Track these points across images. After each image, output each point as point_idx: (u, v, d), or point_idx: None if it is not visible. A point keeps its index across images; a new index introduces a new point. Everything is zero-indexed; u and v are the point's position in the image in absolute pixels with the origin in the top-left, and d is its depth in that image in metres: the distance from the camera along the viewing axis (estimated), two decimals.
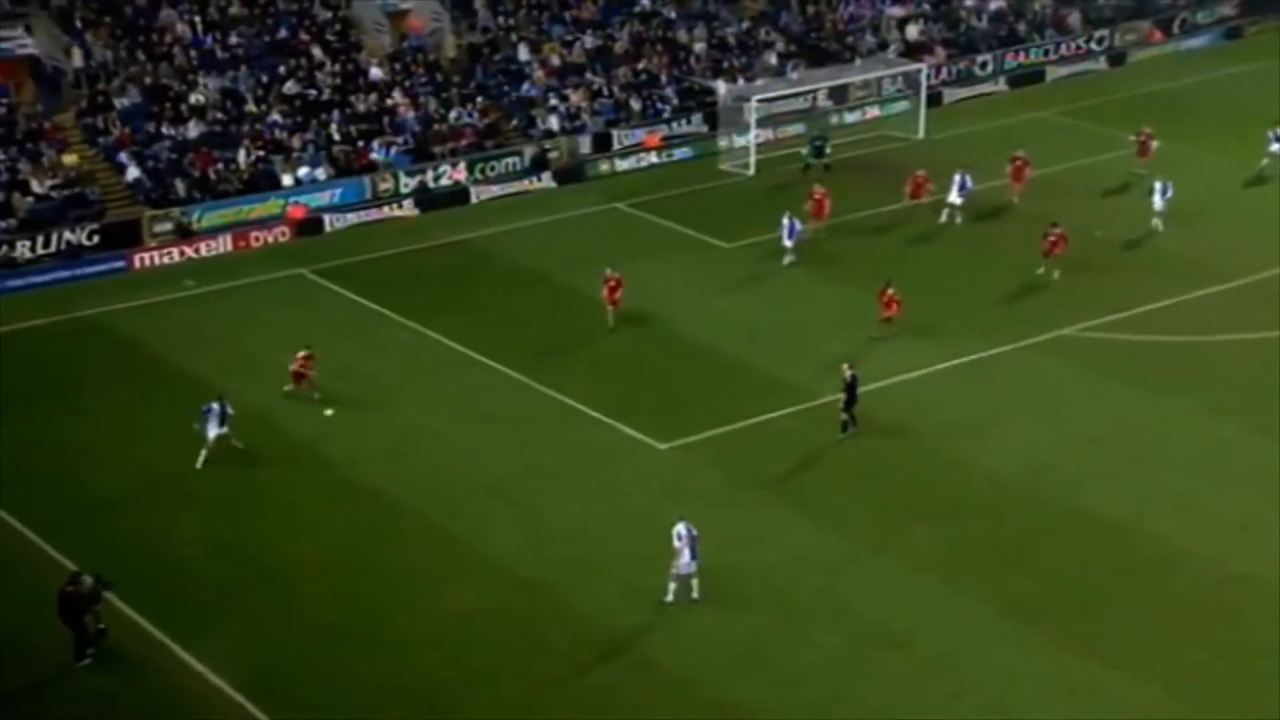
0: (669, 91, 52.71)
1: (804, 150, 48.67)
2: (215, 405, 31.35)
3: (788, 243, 41.13)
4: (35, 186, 43.47)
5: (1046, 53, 59.28)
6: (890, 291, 36.35)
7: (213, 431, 31.17)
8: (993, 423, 32.83)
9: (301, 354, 34.00)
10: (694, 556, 26.44)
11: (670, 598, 26.60)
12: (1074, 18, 61.13)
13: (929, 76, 54.03)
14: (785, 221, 41.30)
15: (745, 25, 56.97)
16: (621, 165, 49.93)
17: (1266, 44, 61.95)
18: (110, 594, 25.73)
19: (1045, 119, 53.82)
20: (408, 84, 50.36)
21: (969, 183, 44.06)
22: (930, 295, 39.10)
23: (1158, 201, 42.44)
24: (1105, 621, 26.20)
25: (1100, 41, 60.56)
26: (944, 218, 44.00)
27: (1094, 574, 27.44)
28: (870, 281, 39.07)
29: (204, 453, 31.15)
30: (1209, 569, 27.51)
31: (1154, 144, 46.12)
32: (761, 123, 50.54)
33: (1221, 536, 28.43)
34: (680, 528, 26.50)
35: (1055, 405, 33.63)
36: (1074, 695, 24.37)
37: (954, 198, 43.97)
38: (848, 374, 31.97)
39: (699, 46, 55.22)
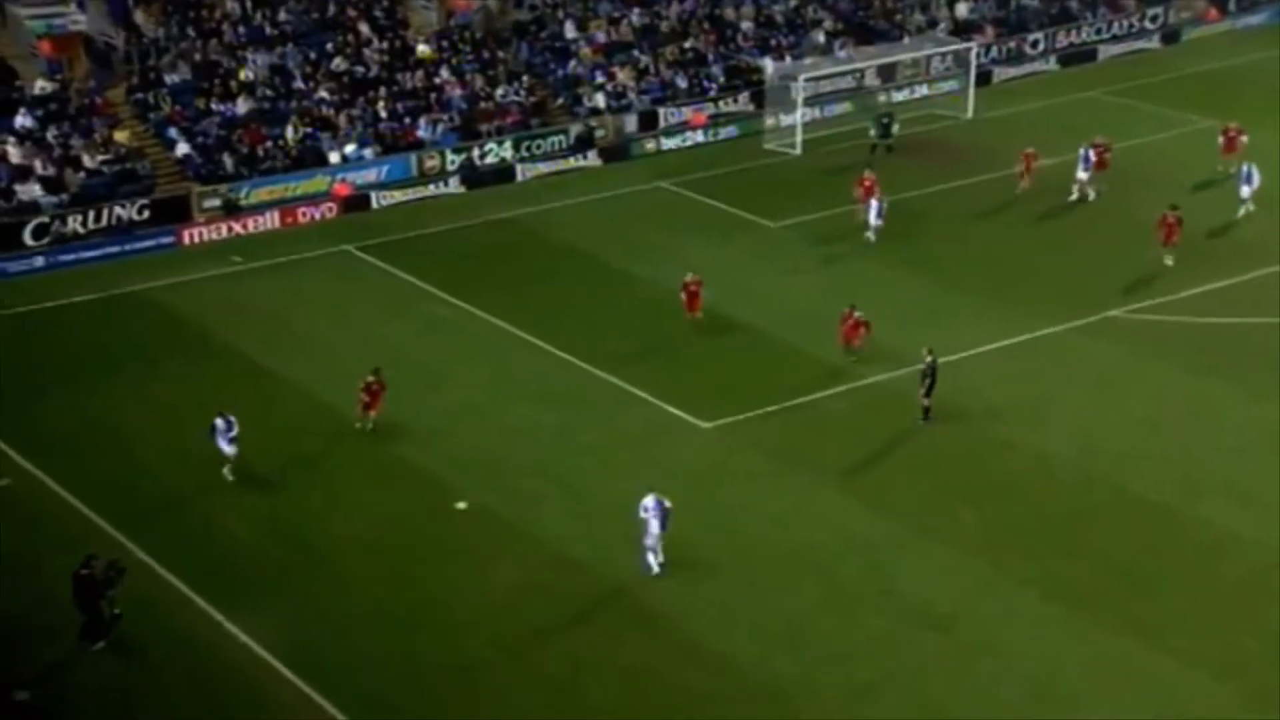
0: (716, 70, 52.52)
1: (871, 130, 48.30)
2: (219, 421, 29.90)
3: (876, 221, 40.69)
4: (87, 162, 43.92)
5: (1099, 31, 58.66)
6: (856, 315, 34.38)
7: (227, 447, 29.81)
8: (1041, 405, 32.65)
9: (370, 377, 31.62)
10: (664, 528, 26.65)
11: (655, 570, 26.71)
12: None
13: (979, 55, 53.56)
14: (874, 202, 40.95)
15: (793, 3, 56.64)
16: (667, 144, 49.82)
17: None
18: (122, 581, 25.57)
19: (1096, 98, 53.28)
20: (455, 61, 50.44)
21: (1092, 156, 43.67)
22: (976, 276, 38.89)
23: (1244, 189, 41.71)
24: (1152, 604, 26.06)
25: (1154, 19, 59.85)
26: (1075, 194, 43.57)
27: (1142, 557, 27.29)
28: (918, 262, 38.92)
29: (227, 467, 29.97)
30: (1259, 553, 27.29)
31: (1243, 139, 44.62)
32: (809, 102, 50.29)
33: (1272, 521, 28.17)
34: (648, 500, 26.69)
35: (1104, 387, 33.39)
36: (1118, 678, 24.27)
37: (1080, 173, 43.62)
38: (927, 359, 31.71)
39: (746, 24, 54.98)
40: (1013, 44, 56.79)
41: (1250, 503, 28.78)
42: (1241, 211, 41.88)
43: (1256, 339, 35.14)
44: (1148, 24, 59.67)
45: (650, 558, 26.94)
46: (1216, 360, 34.29)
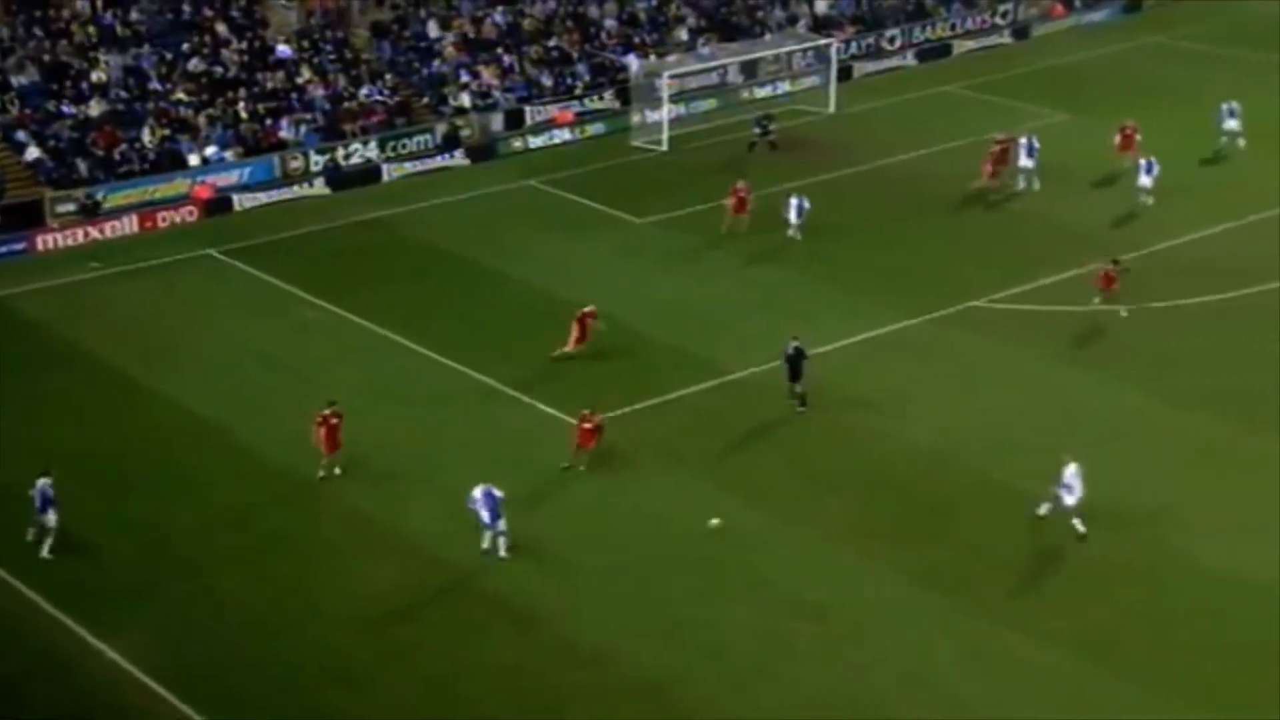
0: (581, 68, 52.61)
1: (754, 129, 48.48)
2: (42, 481, 27.22)
3: (795, 220, 40.70)
4: None
5: (954, 27, 60.00)
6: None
7: (47, 516, 27.12)
8: (907, 395, 33.29)
9: (325, 410, 29.71)
10: (496, 518, 27.06)
11: (503, 554, 27.11)
12: None
13: (839, 51, 54.40)
14: (793, 201, 40.99)
15: (655, 1, 56.94)
16: (534, 142, 49.76)
17: (1163, 17, 63.19)
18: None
19: (953, 93, 54.47)
20: (316, 61, 49.79)
21: (1036, 144, 44.22)
22: (843, 270, 39.50)
23: (1143, 179, 42.28)
24: (1016, 589, 26.77)
25: (1005, 15, 61.38)
26: (1021, 184, 44.09)
27: (1005, 543, 28.01)
28: (785, 257, 39.45)
29: (47, 543, 27.16)
30: (1120, 534, 28.18)
31: (1138, 137, 45.07)
32: (674, 99, 50.62)
33: (1131, 503, 29.11)
34: (476, 491, 27.05)
35: (968, 377, 34.16)
36: (985, 661, 24.90)
37: (1025, 161, 44.10)
38: (792, 345, 32.08)
39: (610, 23, 55.14)
40: (871, 40, 57.83)
41: (1111, 487, 29.68)
42: (1144, 200, 42.50)
43: (1113, 326, 36.22)
44: (999, 20, 61.20)
45: (487, 543, 27.16)
46: (1075, 348, 35.28)
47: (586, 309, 34.59)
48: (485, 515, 27.19)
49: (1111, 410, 32.55)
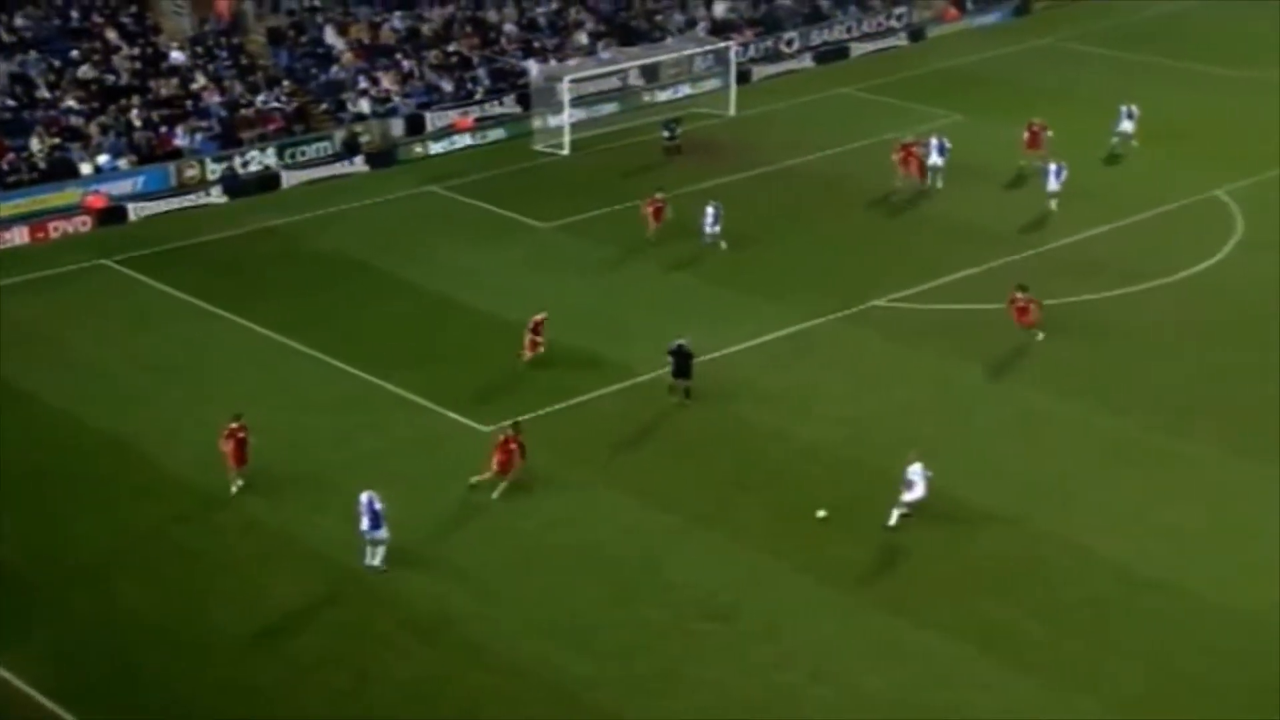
0: (481, 73, 52.43)
1: (663, 132, 48.47)
2: None
3: (713, 229, 40.19)
4: None
5: (850, 30, 60.66)
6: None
7: None
8: (812, 395, 33.57)
9: (233, 424, 29.33)
10: (376, 526, 26.82)
11: (377, 565, 26.96)
12: None
13: (738, 54, 54.77)
14: (710, 210, 40.55)
15: (555, 5, 56.93)
16: (435, 148, 49.49)
17: (1052, 19, 64.45)
18: None
19: (851, 95, 55.09)
20: (211, 68, 49.07)
21: (947, 144, 44.61)
22: (746, 272, 39.74)
23: (1052, 183, 42.55)
24: (918, 583, 27.11)
25: (900, 18, 62.20)
26: (927, 181, 44.43)
27: (905, 538, 28.34)
28: (689, 260, 39.59)
29: None
30: (1017, 528, 28.65)
31: (1047, 134, 45.73)
32: (575, 102, 50.63)
33: (1028, 497, 29.63)
34: (362, 497, 26.82)
35: (867, 375, 34.55)
36: (889, 656, 25.18)
37: (935, 160, 44.50)
38: (677, 342, 32.36)
39: (509, 27, 55.02)
40: (769, 43, 58.29)
41: (1008, 481, 30.20)
42: (1051, 204, 42.86)
43: (1002, 323, 36.81)
44: (894, 23, 62.00)
45: (369, 555, 26.98)
46: (972, 345, 35.82)
47: (537, 317, 34.36)
48: (365, 522, 26.81)
49: (1009, 406, 33.11)
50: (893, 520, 28.32)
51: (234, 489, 29.24)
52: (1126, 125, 47.70)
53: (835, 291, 38.56)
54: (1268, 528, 28.44)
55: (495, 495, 29.39)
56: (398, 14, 53.88)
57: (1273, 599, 26.35)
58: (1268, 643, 25.30)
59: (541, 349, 34.43)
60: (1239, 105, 52.25)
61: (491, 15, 55.30)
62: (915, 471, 28.21)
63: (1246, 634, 25.58)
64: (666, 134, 48.58)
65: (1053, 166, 43.25)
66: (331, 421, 32.39)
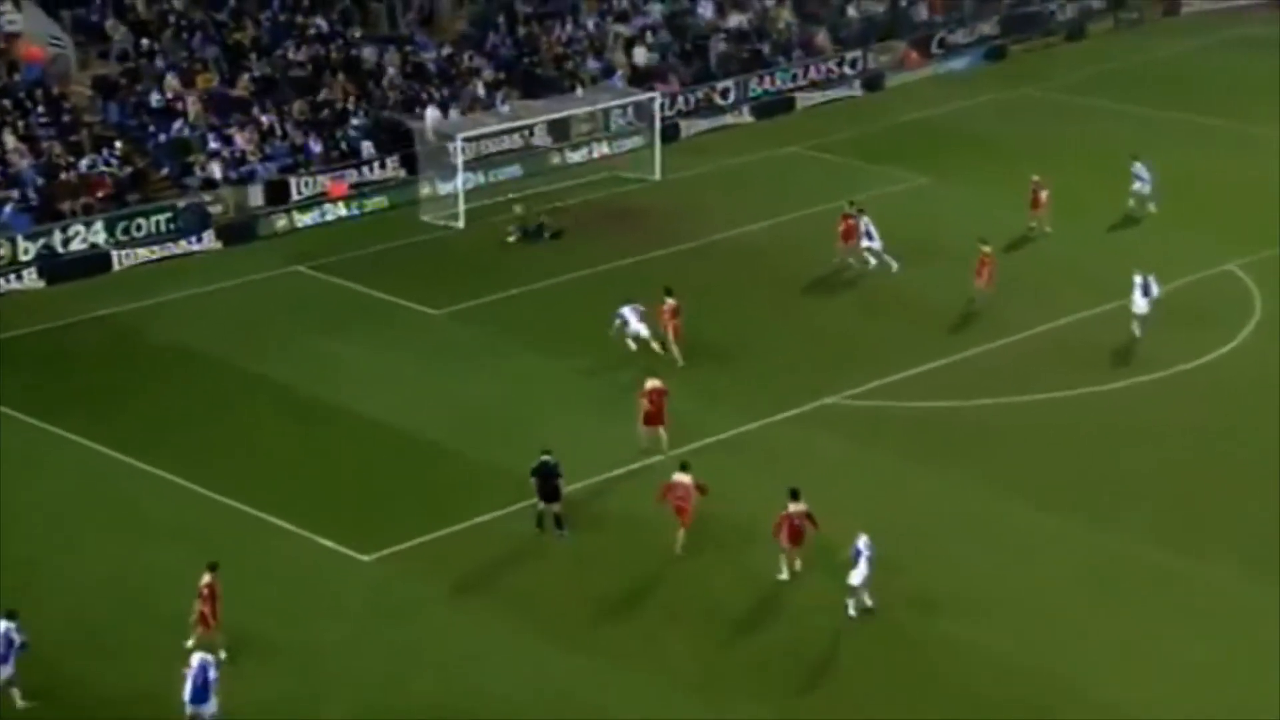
0: (356, 129, 52.82)
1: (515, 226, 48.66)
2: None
3: (642, 331, 39.82)
4: None
5: (794, 77, 62.01)
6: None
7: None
8: (750, 513, 33.66)
9: (206, 578, 28.69)
10: (202, 698, 26.31)
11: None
12: (822, 37, 64.13)
13: (664, 107, 55.69)
14: (626, 310, 39.87)
15: (446, 51, 57.72)
16: (302, 220, 49.87)
17: (1031, 65, 66.40)
18: None
19: (798, 154, 56.23)
20: (22, 125, 49.10)
21: (873, 229, 45.41)
22: (670, 366, 40.17)
23: (1139, 303, 40.74)
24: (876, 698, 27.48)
25: (854, 64, 63.68)
26: (871, 262, 45.39)
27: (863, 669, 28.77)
28: (614, 350, 39.91)
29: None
30: (997, 663, 29.16)
31: (1043, 194, 47.19)
32: (470, 165, 51.27)
33: (1011, 626, 30.18)
34: (194, 660, 26.39)
35: (823, 485, 34.93)
36: None
37: (868, 244, 45.41)
38: (542, 458, 32.60)
39: (391, 72, 55.61)
40: (701, 93, 59.44)
41: (983, 607, 30.76)
42: (1136, 330, 41.32)
43: (977, 421, 37.49)
44: (847, 69, 63.45)
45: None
46: (934, 446, 36.32)
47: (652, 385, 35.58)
48: (187, 692, 26.22)
49: (974, 511, 33.74)
50: (851, 611, 29.74)
51: (222, 654, 28.21)
52: (1141, 185, 49.06)
53: (784, 387, 39.09)
54: None
55: (678, 550, 31.69)
56: (254, 55, 54.07)
57: None
58: None
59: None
60: (1246, 164, 53.93)
61: (369, 57, 55.72)
62: (863, 544, 29.71)
63: None
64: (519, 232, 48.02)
65: (1138, 279, 40.95)
66: (176, 552, 32.10)
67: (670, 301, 40.18)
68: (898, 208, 49.65)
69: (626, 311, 39.99)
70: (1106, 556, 32.24)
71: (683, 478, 32.08)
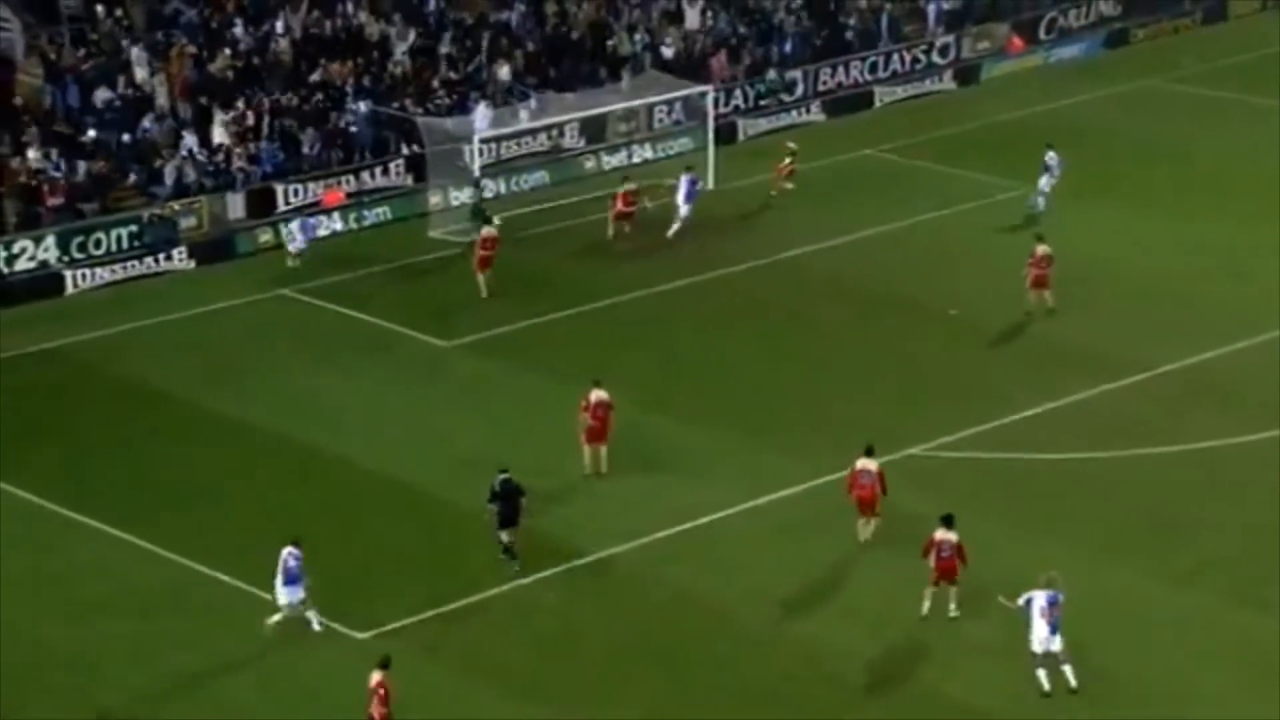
0: (356, 124, 52.89)
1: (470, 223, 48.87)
2: None
3: (684, 207, 41.94)
4: None
5: (874, 68, 62.09)
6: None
7: None
8: (815, 587, 33.72)
9: (376, 676, 28.60)
10: (293, 581, 31.28)
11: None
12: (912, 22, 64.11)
13: (717, 102, 55.68)
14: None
15: (465, 28, 57.80)
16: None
17: (1156, 52, 66.24)
18: None
19: (874, 157, 56.29)
20: None
21: (699, 185, 46.65)
22: (725, 405, 40.15)
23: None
24: None
25: (944, 52, 63.74)
26: (672, 230, 46.45)
27: None
28: (647, 389, 40.00)
29: None
30: None
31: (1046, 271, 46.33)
32: (489, 170, 51.48)
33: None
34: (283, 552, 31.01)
35: (906, 548, 34.86)
36: None
37: (683, 207, 46.88)
38: (499, 478, 33.47)
39: (400, 52, 55.56)
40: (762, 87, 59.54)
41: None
42: None
43: (1092, 477, 37.36)
44: (937, 58, 63.51)
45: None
46: (1039, 508, 36.13)
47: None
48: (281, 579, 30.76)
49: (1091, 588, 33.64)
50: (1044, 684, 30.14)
51: None
52: (1048, 179, 49.48)
53: (854, 434, 38.99)
54: None
55: (867, 537, 34.19)
56: (240, 30, 53.88)
57: None
58: None
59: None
60: None
61: (372, 31, 55.36)
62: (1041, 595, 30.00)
63: None
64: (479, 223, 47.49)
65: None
66: (143, 627, 32.42)
67: (598, 394, 37.41)
68: (994, 221, 49.64)
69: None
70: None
71: (868, 464, 34.37)
